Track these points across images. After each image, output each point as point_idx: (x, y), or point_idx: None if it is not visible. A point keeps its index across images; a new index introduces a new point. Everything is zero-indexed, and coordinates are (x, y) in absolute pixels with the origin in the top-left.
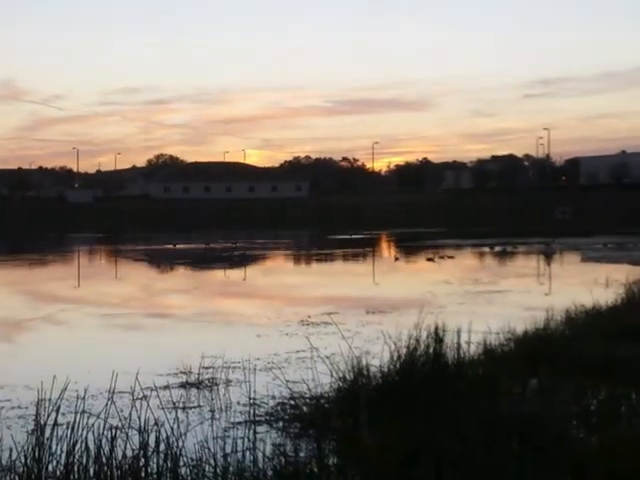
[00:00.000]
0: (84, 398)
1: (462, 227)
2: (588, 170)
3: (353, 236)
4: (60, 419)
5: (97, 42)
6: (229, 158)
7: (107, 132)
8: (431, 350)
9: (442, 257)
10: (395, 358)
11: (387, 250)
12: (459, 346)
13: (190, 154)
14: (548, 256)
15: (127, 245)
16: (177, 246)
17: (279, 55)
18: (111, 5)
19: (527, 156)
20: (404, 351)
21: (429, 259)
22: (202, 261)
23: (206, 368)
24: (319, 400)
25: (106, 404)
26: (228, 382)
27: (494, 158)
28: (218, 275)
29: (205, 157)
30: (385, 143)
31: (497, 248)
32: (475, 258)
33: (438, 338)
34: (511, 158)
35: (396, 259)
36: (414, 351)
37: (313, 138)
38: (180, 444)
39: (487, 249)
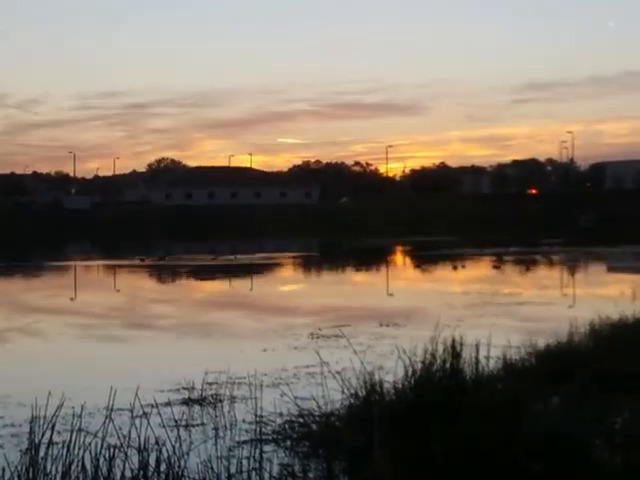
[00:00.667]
0: (81, 415)
1: (481, 235)
2: (614, 175)
3: (367, 247)
4: (55, 437)
5: (73, 44)
6: (217, 162)
7: (89, 137)
8: (448, 365)
9: (456, 267)
10: (410, 374)
11: (403, 261)
12: (477, 361)
13: (182, 159)
14: (566, 263)
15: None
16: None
17: (263, 57)
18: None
19: (550, 160)
20: (419, 366)
21: (452, 267)
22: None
23: (210, 384)
24: (329, 418)
25: (104, 422)
26: (233, 399)
27: (515, 162)
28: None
29: (194, 162)
30: (380, 148)
31: (513, 257)
32: (493, 268)
33: (455, 353)
34: (533, 162)
35: (418, 267)
36: (430, 366)
37: (306, 143)
38: (182, 464)
39: (505, 258)
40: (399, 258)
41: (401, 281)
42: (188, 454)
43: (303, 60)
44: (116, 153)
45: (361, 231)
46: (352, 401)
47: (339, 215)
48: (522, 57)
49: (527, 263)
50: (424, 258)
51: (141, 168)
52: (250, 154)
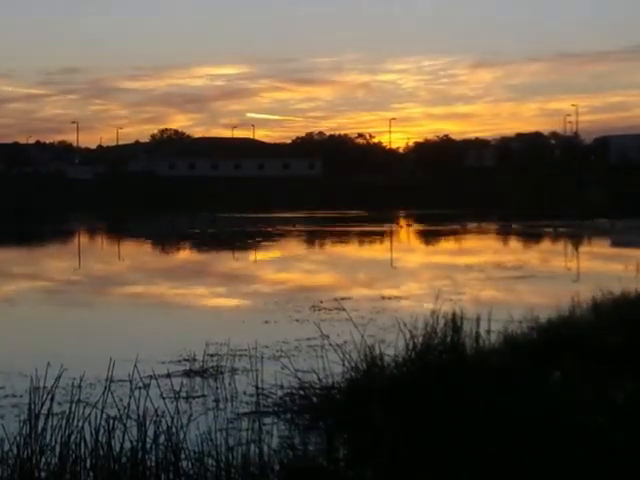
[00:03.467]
0: (80, 387)
1: (484, 208)
2: (618, 149)
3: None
4: (55, 408)
5: (36, 22)
6: (214, 134)
7: (56, 112)
8: (448, 339)
9: (459, 240)
10: (411, 347)
11: (405, 233)
12: (478, 335)
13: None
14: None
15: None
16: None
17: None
18: None
19: (554, 134)
20: (420, 340)
21: (455, 240)
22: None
23: (211, 355)
24: (330, 390)
25: (103, 393)
26: (234, 371)
27: (518, 136)
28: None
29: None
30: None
31: (516, 231)
32: (495, 240)
33: (456, 327)
34: (537, 136)
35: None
36: (430, 340)
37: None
38: (182, 436)
39: (508, 232)
40: (401, 230)
41: (403, 254)
42: (188, 426)
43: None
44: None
45: (365, 203)
46: (353, 374)
47: (344, 187)
48: None
49: (530, 237)
50: (426, 231)
51: (144, 139)
52: (253, 125)
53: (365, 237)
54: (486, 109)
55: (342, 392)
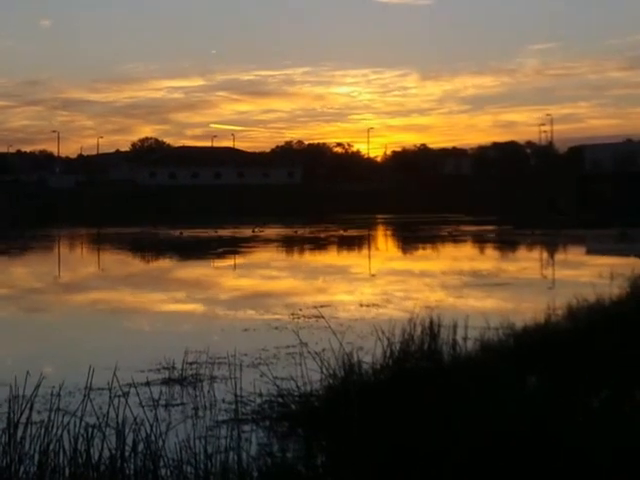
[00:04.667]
0: (59, 395)
1: (459, 214)
2: (593, 159)
3: (347, 230)
4: (34, 417)
5: None
6: (195, 143)
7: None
8: (425, 347)
9: (436, 247)
10: (388, 355)
11: (381, 239)
12: (455, 342)
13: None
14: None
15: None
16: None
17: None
18: None
19: (529, 143)
20: (397, 347)
21: (432, 248)
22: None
23: (189, 364)
24: (308, 398)
25: (82, 401)
26: (212, 378)
27: (495, 145)
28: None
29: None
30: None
31: (492, 238)
32: (472, 249)
33: (433, 334)
34: (513, 145)
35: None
36: (408, 347)
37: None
38: (160, 444)
39: (484, 239)
40: (380, 237)
41: (381, 260)
42: (166, 434)
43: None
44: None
45: (346, 210)
46: (331, 381)
47: (322, 195)
48: None
49: (506, 244)
50: (404, 237)
51: (125, 148)
52: (233, 134)
53: (345, 243)
54: (441, 121)
55: (320, 399)
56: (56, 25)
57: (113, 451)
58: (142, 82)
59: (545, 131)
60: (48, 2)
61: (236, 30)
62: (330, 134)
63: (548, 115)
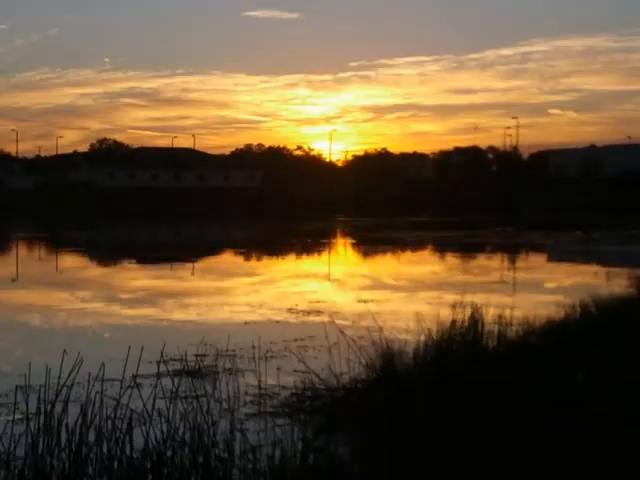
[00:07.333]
0: (72, 386)
1: (420, 218)
2: (556, 164)
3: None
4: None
5: None
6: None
7: None
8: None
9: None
10: (430, 344)
11: (341, 244)
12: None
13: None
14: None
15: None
16: None
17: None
18: None
19: (492, 148)
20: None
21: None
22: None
23: (198, 356)
24: (346, 390)
25: (89, 392)
26: (230, 371)
27: (457, 150)
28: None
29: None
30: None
31: (452, 243)
32: (436, 253)
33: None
34: (475, 150)
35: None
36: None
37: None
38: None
39: (444, 244)
40: (342, 242)
41: (343, 266)
42: (176, 427)
43: None
44: None
45: (304, 215)
46: (370, 373)
47: (282, 198)
48: None
49: (469, 250)
50: (365, 242)
51: (83, 149)
52: (193, 135)
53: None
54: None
55: (359, 391)
56: None
57: (157, 440)
58: (47, 89)
59: (510, 135)
60: None
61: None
62: (257, 138)
63: (514, 118)
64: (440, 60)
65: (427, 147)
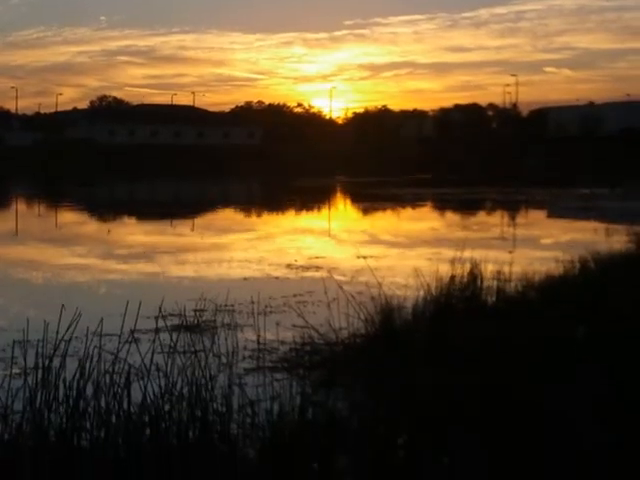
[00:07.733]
0: (70, 340)
1: (421, 175)
2: (556, 121)
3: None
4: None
5: None
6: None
7: None
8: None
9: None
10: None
11: (341, 201)
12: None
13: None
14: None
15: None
16: None
17: None
18: None
19: (492, 105)
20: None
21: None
22: None
23: (197, 311)
24: (345, 344)
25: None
26: (229, 326)
27: (457, 107)
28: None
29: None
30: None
31: (453, 199)
32: (433, 211)
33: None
34: (475, 107)
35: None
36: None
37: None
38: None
39: (445, 201)
40: (341, 199)
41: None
42: (174, 382)
43: None
44: None
45: (304, 172)
46: (369, 327)
47: (282, 156)
48: None
49: (469, 206)
50: (365, 199)
51: (83, 105)
52: (193, 93)
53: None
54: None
55: (359, 346)
56: None
57: (155, 395)
58: (44, 47)
59: (509, 92)
60: None
61: None
62: (254, 96)
63: (513, 75)
64: (434, 18)
65: (426, 104)
